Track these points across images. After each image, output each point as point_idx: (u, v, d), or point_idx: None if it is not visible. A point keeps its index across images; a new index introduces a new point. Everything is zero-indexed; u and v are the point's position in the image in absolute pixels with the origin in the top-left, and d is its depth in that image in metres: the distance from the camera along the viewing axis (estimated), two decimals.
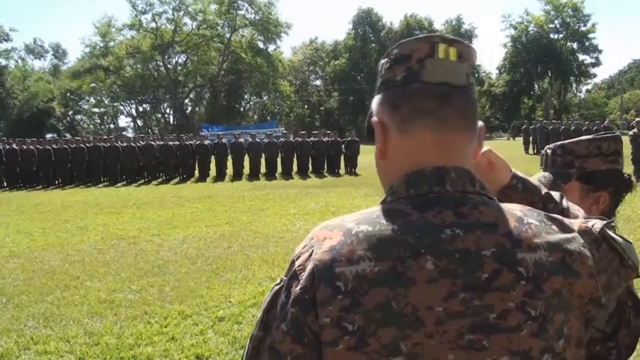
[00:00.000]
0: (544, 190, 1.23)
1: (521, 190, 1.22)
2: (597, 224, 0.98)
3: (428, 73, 0.96)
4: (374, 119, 1.01)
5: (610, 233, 0.98)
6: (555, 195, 1.22)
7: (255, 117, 64.52)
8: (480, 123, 1.02)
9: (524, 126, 31.64)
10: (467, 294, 0.85)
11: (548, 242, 0.90)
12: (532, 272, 0.87)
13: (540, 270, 0.88)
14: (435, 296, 0.84)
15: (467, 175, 0.96)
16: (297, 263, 0.91)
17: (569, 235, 0.93)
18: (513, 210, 0.95)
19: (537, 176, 1.84)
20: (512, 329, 0.85)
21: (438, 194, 0.93)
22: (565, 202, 1.21)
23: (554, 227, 0.94)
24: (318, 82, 70.55)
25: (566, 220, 0.98)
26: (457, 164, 0.96)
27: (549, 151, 1.87)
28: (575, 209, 1.18)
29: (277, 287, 0.93)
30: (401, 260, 0.86)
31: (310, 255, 0.89)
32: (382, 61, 1.04)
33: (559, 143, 1.87)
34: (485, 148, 1.20)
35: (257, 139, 22.52)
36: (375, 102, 1.03)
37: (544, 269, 0.88)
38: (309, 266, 0.88)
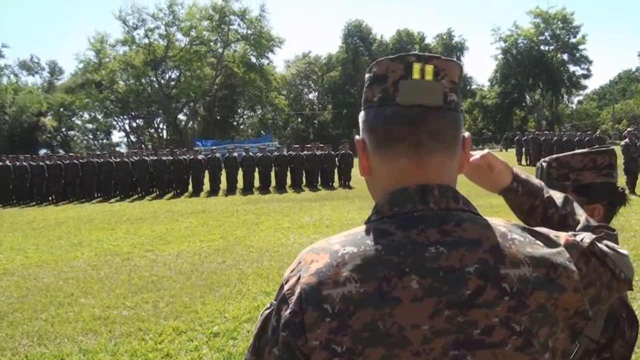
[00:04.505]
0: (546, 194, 1.22)
1: (521, 193, 1.22)
2: (586, 237, 0.99)
3: (402, 96, 0.96)
4: (357, 137, 1.04)
5: (601, 247, 0.98)
6: (558, 199, 1.21)
7: (250, 131, 64.56)
8: (466, 134, 1.02)
9: (517, 137, 31.81)
10: (451, 311, 0.86)
11: (532, 257, 0.91)
12: (516, 288, 0.88)
13: (524, 286, 0.88)
14: (420, 315, 0.85)
15: (451, 192, 0.97)
16: (285, 287, 0.92)
17: (553, 250, 0.94)
18: (497, 225, 0.96)
19: None
20: (496, 344, 0.86)
21: (421, 212, 0.94)
22: (569, 207, 1.19)
23: (538, 242, 0.95)
24: (311, 96, 70.80)
25: (552, 234, 0.98)
26: (439, 181, 0.97)
27: (544, 164, 1.89)
28: (579, 213, 1.17)
29: (267, 312, 0.94)
30: (386, 280, 0.86)
31: (299, 279, 0.90)
32: (366, 75, 1.05)
33: (554, 156, 1.89)
34: (485, 151, 1.21)
35: (250, 153, 22.49)
36: (359, 119, 1.05)
37: (528, 284, 0.89)
38: (297, 290, 0.89)
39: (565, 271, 0.92)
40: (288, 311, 0.88)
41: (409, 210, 0.95)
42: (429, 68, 0.96)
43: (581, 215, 1.17)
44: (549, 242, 0.95)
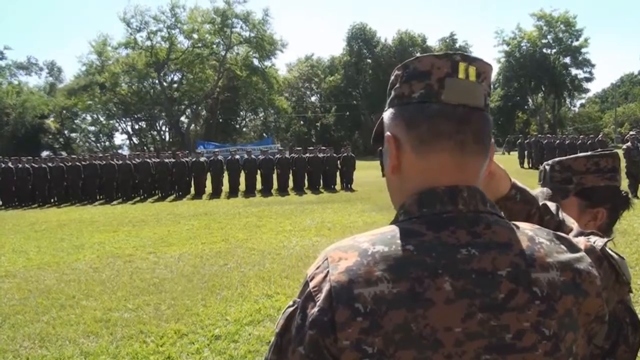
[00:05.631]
0: (541, 202, 1.23)
1: (520, 201, 1.22)
2: (598, 241, 1.00)
3: (448, 94, 0.94)
4: (387, 133, 1.00)
5: (609, 251, 1.00)
6: (552, 206, 1.23)
7: (252, 133, 64.62)
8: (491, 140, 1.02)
9: (519, 140, 31.86)
10: (484, 314, 0.85)
11: (559, 262, 0.91)
12: (546, 292, 0.87)
13: (553, 290, 0.88)
14: (453, 317, 0.84)
15: (479, 194, 0.96)
16: (311, 284, 0.88)
17: (577, 255, 0.94)
18: (524, 229, 0.95)
19: (536, 192, 1.85)
20: (527, 348, 0.85)
21: (451, 214, 0.92)
22: (561, 214, 1.21)
23: (562, 246, 0.95)
24: (313, 99, 70.84)
25: (573, 239, 0.99)
26: (469, 183, 0.96)
27: (547, 167, 1.88)
28: (570, 221, 1.19)
29: (290, 309, 0.90)
30: (419, 281, 0.84)
31: (326, 276, 0.87)
32: (397, 73, 1.02)
33: (557, 159, 1.88)
34: None
35: (252, 156, 22.50)
36: (387, 115, 1.02)
37: (557, 289, 0.88)
38: (326, 287, 0.86)
39: (588, 276, 0.92)
40: (316, 309, 0.85)
41: (438, 211, 0.93)
42: (472, 69, 0.96)
43: (573, 223, 1.18)
44: (572, 247, 0.95)
